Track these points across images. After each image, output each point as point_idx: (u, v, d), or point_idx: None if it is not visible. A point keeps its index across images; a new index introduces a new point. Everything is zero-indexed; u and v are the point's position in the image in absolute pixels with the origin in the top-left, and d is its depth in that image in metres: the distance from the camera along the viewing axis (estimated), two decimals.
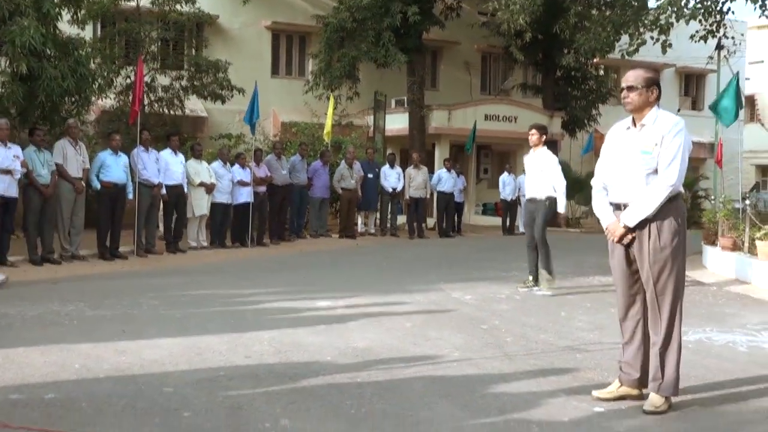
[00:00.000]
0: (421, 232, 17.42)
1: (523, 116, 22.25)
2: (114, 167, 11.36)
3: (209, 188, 13.20)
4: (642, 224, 4.47)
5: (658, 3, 18.08)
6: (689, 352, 5.78)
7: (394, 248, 14.88)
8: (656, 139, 4.43)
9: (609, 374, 5.09)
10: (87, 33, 15.43)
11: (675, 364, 4.45)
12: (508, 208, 19.57)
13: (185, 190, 12.74)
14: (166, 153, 12.57)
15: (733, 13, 19.17)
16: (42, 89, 11.01)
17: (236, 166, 13.86)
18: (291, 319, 7.05)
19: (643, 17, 18.66)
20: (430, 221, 19.01)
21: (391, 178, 17.22)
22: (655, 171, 4.43)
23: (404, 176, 17.32)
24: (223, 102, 18.09)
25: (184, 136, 16.88)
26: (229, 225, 13.82)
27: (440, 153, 22.19)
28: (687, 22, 18.98)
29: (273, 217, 14.70)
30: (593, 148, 24.69)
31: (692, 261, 12.63)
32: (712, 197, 20.95)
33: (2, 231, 10.02)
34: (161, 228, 13.11)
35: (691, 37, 20.50)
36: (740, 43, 24.42)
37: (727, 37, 21.60)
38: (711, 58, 24.49)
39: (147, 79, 16.72)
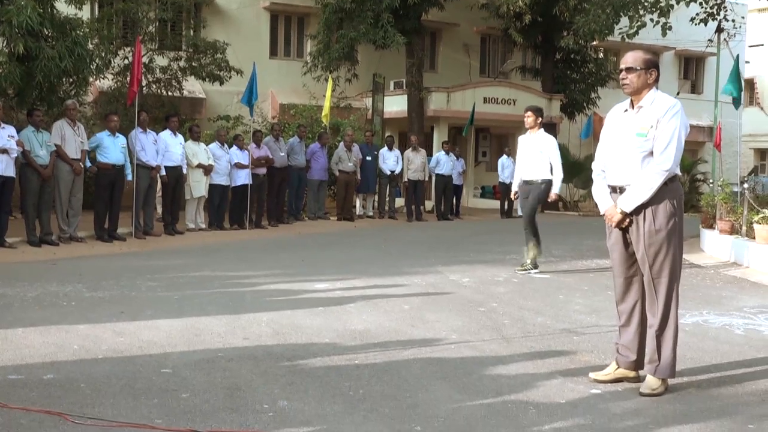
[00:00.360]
0: (419, 214, 17.44)
1: (522, 99, 22.17)
2: (112, 149, 11.33)
3: (207, 170, 13.18)
4: (638, 207, 4.47)
5: None
6: (686, 335, 5.81)
7: (392, 231, 14.89)
8: (651, 121, 4.41)
9: (606, 357, 5.12)
10: (84, 13, 15.33)
11: (672, 347, 4.46)
12: (506, 191, 19.54)
13: (184, 171, 12.73)
14: (166, 134, 12.53)
15: None
16: (39, 70, 10.94)
17: (234, 148, 13.83)
18: (289, 301, 7.07)
19: None
20: (429, 204, 19.01)
21: (389, 160, 17.20)
22: (651, 153, 4.42)
23: (402, 159, 17.31)
24: (222, 83, 18.01)
25: (183, 117, 16.83)
26: (227, 207, 13.81)
27: (439, 135, 22.15)
28: (687, 5, 18.93)
29: (271, 199, 14.69)
30: (593, 132, 24.65)
31: (690, 244, 12.66)
32: (711, 181, 20.99)
33: (0, 212, 10.00)
34: (159, 210, 13.11)
35: (692, 19, 20.45)
36: (740, 26, 24.37)
37: (728, 20, 21.56)
38: (711, 41, 24.44)
39: (145, 60, 16.63)
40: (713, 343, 5.78)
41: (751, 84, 36.44)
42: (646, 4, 18.55)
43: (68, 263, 9.09)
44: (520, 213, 10.09)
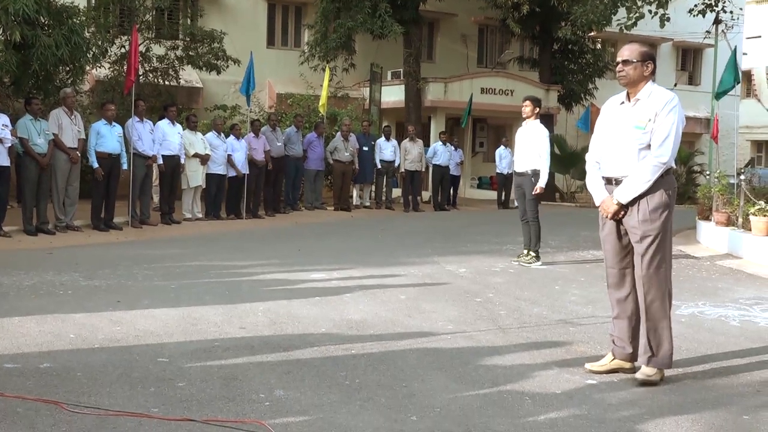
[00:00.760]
0: (416, 205, 17.43)
1: (520, 89, 22.15)
2: (108, 137, 11.29)
3: (204, 159, 13.16)
4: (633, 198, 4.48)
5: None
6: (682, 326, 5.83)
7: (389, 221, 14.89)
8: (650, 114, 4.43)
9: (602, 347, 5.14)
10: (81, 1, 15.26)
11: (668, 338, 4.48)
12: (504, 182, 19.54)
13: (182, 161, 12.71)
14: (164, 123, 12.51)
15: None
16: (36, 58, 10.90)
17: (231, 137, 13.80)
18: (286, 290, 7.07)
19: None
20: (426, 194, 19.01)
21: (386, 151, 17.17)
22: (648, 146, 4.44)
23: (399, 149, 17.29)
24: (219, 72, 17.96)
25: (180, 107, 16.79)
26: (224, 197, 13.80)
27: (436, 126, 22.12)
28: None
29: (268, 189, 14.68)
30: (590, 123, 24.64)
31: (686, 236, 12.70)
32: (707, 172, 21.02)
33: None
34: (156, 199, 13.09)
35: (690, 11, 20.43)
36: (738, 18, 24.34)
37: (725, 12, 21.53)
38: (708, 32, 24.41)
39: (142, 48, 16.57)
40: (709, 334, 5.80)
41: (748, 76, 36.42)
42: None
43: (65, 252, 9.08)
44: (516, 204, 10.06)
